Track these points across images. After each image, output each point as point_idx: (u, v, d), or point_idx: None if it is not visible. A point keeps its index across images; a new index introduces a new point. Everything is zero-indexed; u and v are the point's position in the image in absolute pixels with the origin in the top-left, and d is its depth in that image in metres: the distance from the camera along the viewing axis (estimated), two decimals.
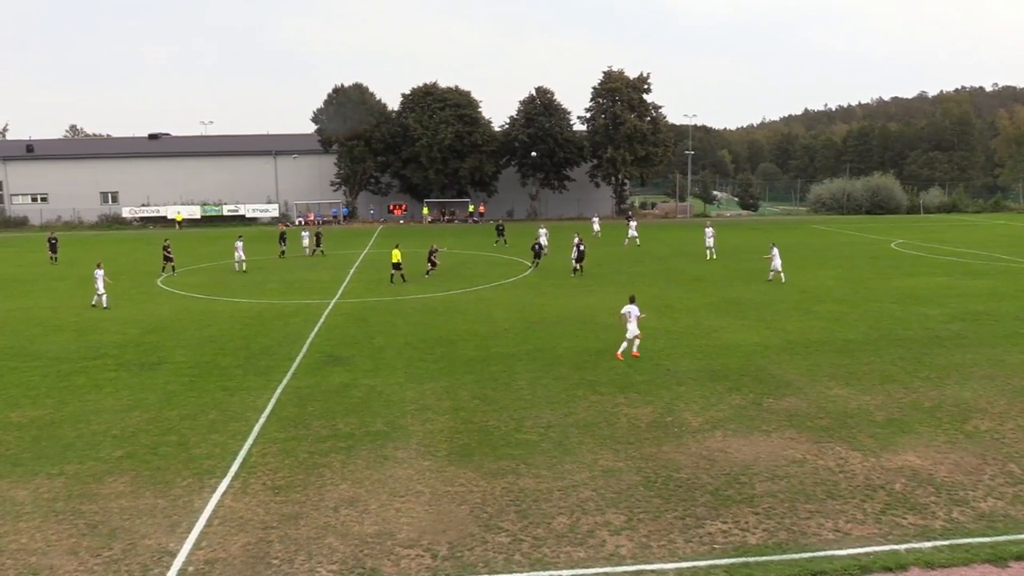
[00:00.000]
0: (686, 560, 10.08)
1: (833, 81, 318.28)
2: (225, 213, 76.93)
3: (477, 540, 10.69)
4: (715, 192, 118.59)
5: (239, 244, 39.86)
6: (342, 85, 76.12)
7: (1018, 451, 13.60)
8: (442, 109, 73.74)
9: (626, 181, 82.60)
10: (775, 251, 33.19)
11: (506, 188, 78.57)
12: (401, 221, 78.10)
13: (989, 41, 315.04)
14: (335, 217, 77.19)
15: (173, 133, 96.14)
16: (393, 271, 34.44)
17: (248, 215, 77.44)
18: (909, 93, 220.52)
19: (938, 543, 10.39)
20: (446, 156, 72.96)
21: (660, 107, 78.36)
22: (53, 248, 44.90)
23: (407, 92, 77.12)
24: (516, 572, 9.88)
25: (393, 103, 78.12)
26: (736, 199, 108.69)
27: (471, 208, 77.87)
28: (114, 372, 19.77)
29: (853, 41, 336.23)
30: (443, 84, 76.82)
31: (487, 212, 76.92)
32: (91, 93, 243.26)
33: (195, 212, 76.70)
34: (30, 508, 11.84)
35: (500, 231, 53.02)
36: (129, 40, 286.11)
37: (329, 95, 75.93)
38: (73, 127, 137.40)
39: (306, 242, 47.60)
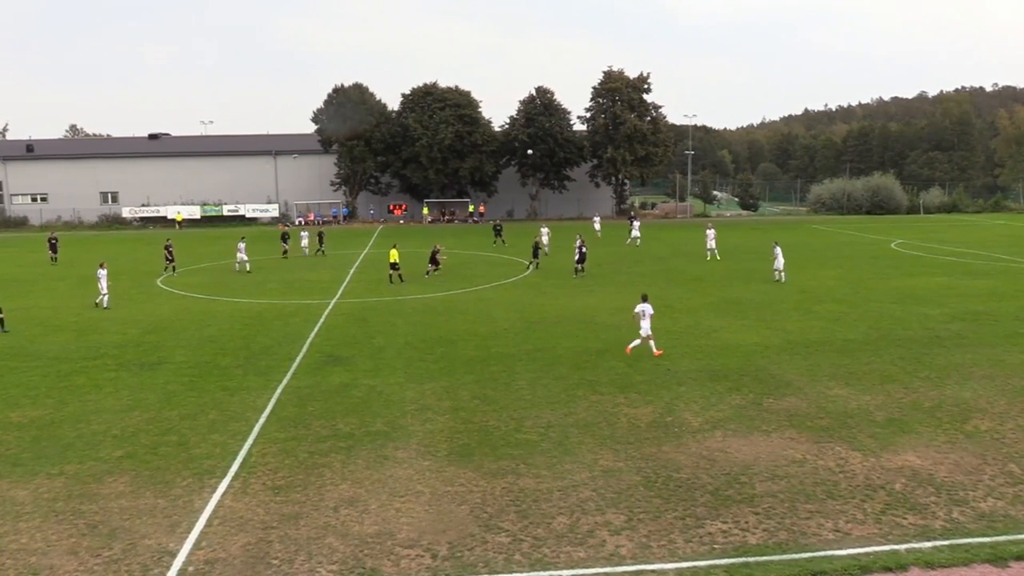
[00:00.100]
0: (686, 560, 10.08)
1: (833, 81, 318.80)
2: (225, 213, 76.95)
3: (477, 540, 10.69)
4: (715, 192, 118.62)
5: (241, 245, 39.86)
6: (342, 85, 76.19)
7: (1018, 451, 13.60)
8: (442, 109, 73.76)
9: (626, 181, 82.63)
10: (778, 250, 33.19)
11: (506, 188, 78.58)
12: (401, 221, 78.11)
13: (989, 41, 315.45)
14: (335, 217, 77.20)
15: (173, 133, 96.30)
16: (391, 271, 34.45)
17: (248, 215, 77.47)
18: (909, 93, 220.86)
19: (938, 543, 10.39)
20: (446, 156, 72.98)
21: (660, 107, 78.57)
22: (53, 248, 44.91)
23: (407, 92, 77.21)
24: (516, 572, 9.88)
25: (393, 103, 78.32)
26: (736, 199, 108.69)
27: (471, 208, 77.89)
28: (114, 372, 19.77)
29: (853, 41, 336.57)
30: (443, 84, 76.99)
31: (487, 212, 76.91)
32: (91, 93, 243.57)
33: (195, 212, 76.72)
34: (30, 508, 11.84)
35: (498, 231, 53.04)
36: (129, 40, 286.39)
37: (329, 95, 75.97)
38: (73, 127, 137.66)
39: (305, 242, 47.58)
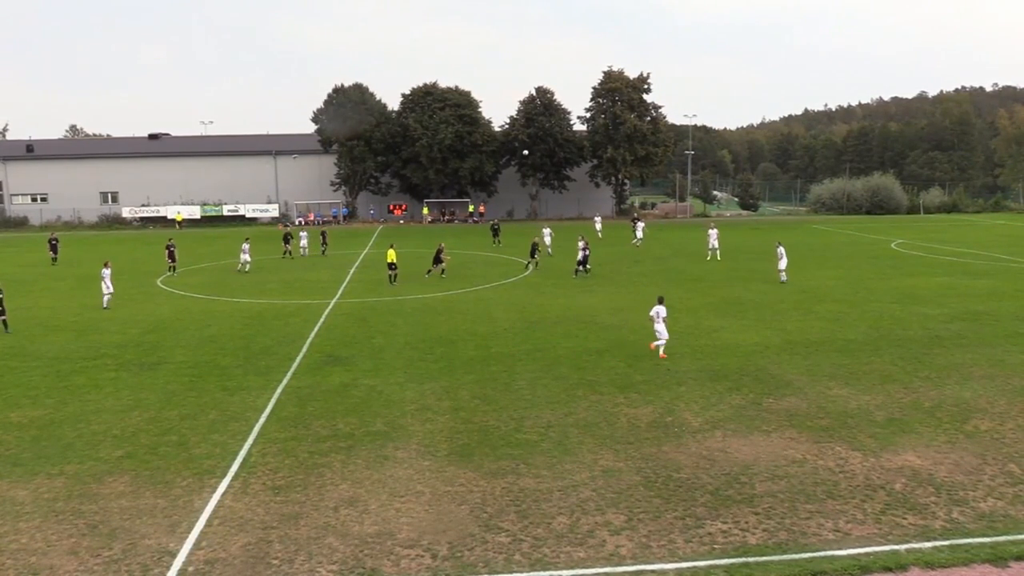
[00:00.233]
0: (686, 560, 10.08)
1: (833, 81, 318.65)
2: (225, 213, 76.94)
3: (477, 540, 10.69)
4: (715, 192, 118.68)
5: (246, 246, 39.87)
6: (342, 85, 76.19)
7: (1018, 451, 13.60)
8: (442, 109, 73.75)
9: (626, 181, 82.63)
10: (781, 250, 33.17)
11: (506, 188, 78.57)
12: (401, 221, 78.11)
13: (989, 41, 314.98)
14: (335, 217, 77.20)
15: (173, 133, 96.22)
16: (390, 271, 34.46)
17: (248, 215, 77.45)
18: (909, 93, 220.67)
19: (938, 543, 10.39)
20: (446, 156, 72.97)
21: (660, 107, 78.47)
22: (54, 249, 44.90)
23: (407, 92, 77.18)
24: (516, 572, 9.88)
25: (393, 103, 78.29)
26: (736, 199, 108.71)
27: (471, 208, 77.89)
28: (114, 372, 19.77)
29: (853, 41, 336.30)
30: (443, 84, 76.95)
31: (487, 212, 76.91)
32: (91, 93, 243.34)
33: (195, 212, 76.71)
34: (30, 508, 11.84)
35: (495, 231, 53.07)
36: (129, 40, 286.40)
37: (329, 95, 75.97)
38: (73, 127, 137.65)
39: (304, 242, 47.59)
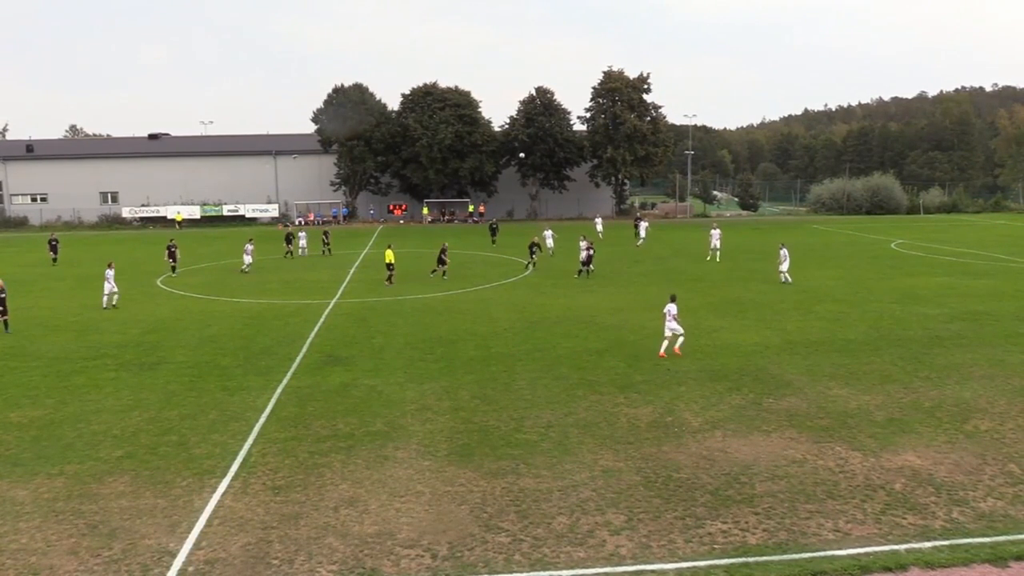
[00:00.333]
0: (686, 560, 10.08)
1: (833, 81, 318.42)
2: (225, 213, 76.95)
3: (477, 540, 10.69)
4: (715, 192, 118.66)
5: (249, 247, 39.86)
6: (342, 85, 76.19)
7: (1018, 451, 13.60)
8: (442, 109, 73.76)
9: (626, 181, 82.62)
10: (784, 251, 33.15)
11: (506, 188, 78.58)
12: (401, 221, 78.11)
13: (989, 41, 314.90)
14: (335, 217, 77.19)
15: (173, 133, 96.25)
16: (389, 272, 34.46)
17: (248, 215, 77.46)
18: (909, 93, 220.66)
19: (938, 543, 10.39)
20: (446, 156, 72.97)
21: (660, 107, 78.49)
22: (54, 250, 44.89)
23: (407, 92, 77.18)
24: (516, 572, 9.88)
25: (393, 103, 78.28)
26: (736, 199, 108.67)
27: (471, 208, 77.90)
28: (114, 372, 19.77)
29: (853, 41, 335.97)
30: (443, 84, 76.97)
31: (487, 212, 76.91)
32: (91, 93, 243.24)
33: (195, 212, 76.72)
34: (30, 508, 11.84)
35: (494, 231, 53.04)
36: (129, 40, 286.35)
37: (329, 95, 75.97)
38: (73, 127, 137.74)
39: (303, 242, 47.64)
